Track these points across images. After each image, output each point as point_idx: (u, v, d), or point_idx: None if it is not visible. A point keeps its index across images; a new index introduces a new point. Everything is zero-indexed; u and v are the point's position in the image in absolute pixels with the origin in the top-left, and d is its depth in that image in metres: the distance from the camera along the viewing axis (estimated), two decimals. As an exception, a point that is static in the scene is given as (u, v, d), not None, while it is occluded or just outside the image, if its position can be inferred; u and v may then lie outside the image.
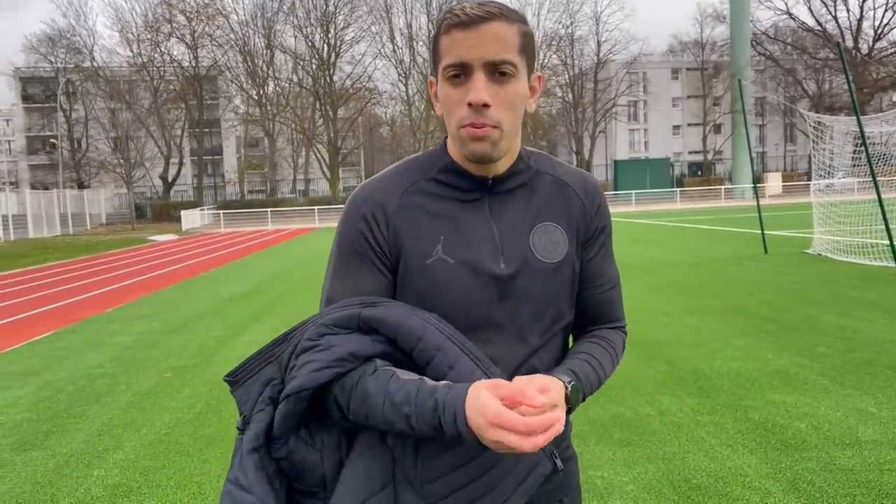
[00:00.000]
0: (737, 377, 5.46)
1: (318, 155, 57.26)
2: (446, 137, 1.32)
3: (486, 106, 1.18)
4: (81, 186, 54.89)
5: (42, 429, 5.09)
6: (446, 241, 1.26)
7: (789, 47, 61.82)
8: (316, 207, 44.70)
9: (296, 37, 57.34)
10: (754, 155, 18.59)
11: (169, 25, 56.40)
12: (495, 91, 1.19)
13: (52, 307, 11.38)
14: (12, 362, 7.37)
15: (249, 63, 57.47)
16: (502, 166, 1.29)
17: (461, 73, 1.19)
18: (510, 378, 1.15)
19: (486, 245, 1.26)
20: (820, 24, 58.08)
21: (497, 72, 1.18)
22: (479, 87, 1.17)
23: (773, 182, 49.50)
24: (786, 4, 67.49)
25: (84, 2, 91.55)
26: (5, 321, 10.14)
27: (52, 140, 56.94)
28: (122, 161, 48.97)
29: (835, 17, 57.59)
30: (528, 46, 1.23)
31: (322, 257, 16.21)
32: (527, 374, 1.24)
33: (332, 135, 56.20)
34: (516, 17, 1.21)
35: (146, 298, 11.92)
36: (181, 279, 14.80)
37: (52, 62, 58.78)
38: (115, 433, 4.89)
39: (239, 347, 7.48)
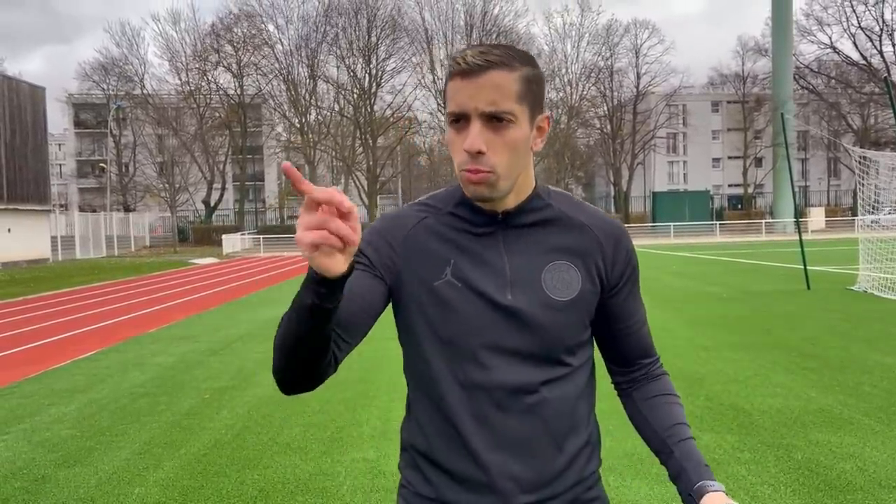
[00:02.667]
0: (778, 415, 5.34)
1: (357, 182, 57.95)
2: None
3: (480, 153, 1.21)
4: (127, 209, 56.36)
5: (85, 445, 5.21)
6: (455, 265, 1.30)
7: (833, 81, 60.96)
8: (353, 234, 45.03)
9: (338, 67, 58.46)
10: (797, 189, 18.22)
11: (216, 55, 57.97)
12: (492, 137, 1.21)
13: (97, 326, 11.67)
14: (59, 379, 7.57)
15: (293, 92, 58.64)
16: (511, 202, 1.30)
17: (461, 119, 1.23)
18: (513, 402, 1.27)
19: (496, 275, 1.29)
20: (865, 58, 57.23)
21: (494, 118, 1.21)
22: (474, 135, 1.20)
23: (817, 217, 48.55)
24: (829, 38, 66.53)
25: (137, 32, 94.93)
26: (53, 339, 10.42)
27: (101, 164, 58.65)
28: (166, 185, 50.19)
29: (880, 52, 56.71)
30: (531, 91, 1.24)
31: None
32: (536, 402, 1.28)
33: (371, 163, 56.88)
34: (519, 63, 1.22)
35: (188, 320, 12.15)
36: (222, 302, 15.05)
37: (104, 89, 60.73)
38: (156, 452, 4.98)
39: (276, 371, 7.56)
